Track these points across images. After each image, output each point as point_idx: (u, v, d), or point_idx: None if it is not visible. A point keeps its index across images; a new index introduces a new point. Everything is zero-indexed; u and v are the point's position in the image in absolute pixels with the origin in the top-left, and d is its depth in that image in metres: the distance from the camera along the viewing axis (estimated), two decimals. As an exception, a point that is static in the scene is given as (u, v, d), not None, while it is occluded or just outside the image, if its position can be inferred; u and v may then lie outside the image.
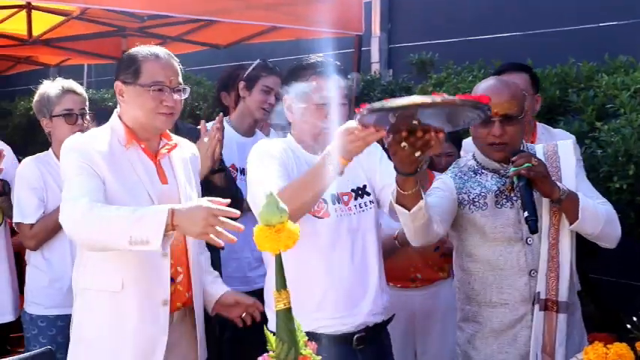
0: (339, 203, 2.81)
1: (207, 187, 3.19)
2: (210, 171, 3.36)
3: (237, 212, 2.43)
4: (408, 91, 5.93)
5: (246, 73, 4.10)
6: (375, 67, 7.10)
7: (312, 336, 2.62)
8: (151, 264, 2.70)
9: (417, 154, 2.30)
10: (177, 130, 3.43)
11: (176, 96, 2.77)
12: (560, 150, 2.95)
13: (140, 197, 2.70)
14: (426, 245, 3.62)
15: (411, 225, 2.60)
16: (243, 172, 3.89)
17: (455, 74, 5.50)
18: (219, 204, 2.43)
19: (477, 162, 2.95)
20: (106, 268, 2.70)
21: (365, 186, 2.88)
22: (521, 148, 2.87)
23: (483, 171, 2.91)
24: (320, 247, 2.76)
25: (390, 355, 3.00)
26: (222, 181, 3.44)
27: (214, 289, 2.99)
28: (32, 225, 3.50)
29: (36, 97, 3.69)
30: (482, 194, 2.86)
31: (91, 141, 2.74)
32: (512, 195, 2.83)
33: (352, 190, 2.85)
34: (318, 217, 2.76)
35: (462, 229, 2.91)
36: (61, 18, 5.80)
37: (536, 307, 2.79)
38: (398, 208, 2.54)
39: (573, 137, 3.82)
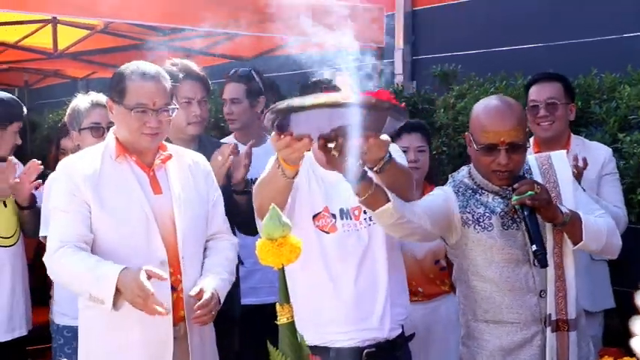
0: (348, 219, 2.81)
1: (231, 206, 3.18)
2: (235, 191, 3.36)
3: (164, 278, 2.60)
4: (431, 103, 5.92)
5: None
6: (399, 79, 7.07)
7: (322, 350, 2.68)
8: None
9: (352, 159, 2.26)
10: (200, 144, 3.45)
11: (162, 116, 2.79)
12: (554, 161, 2.87)
13: (129, 212, 2.74)
14: (422, 258, 3.64)
15: (380, 223, 2.57)
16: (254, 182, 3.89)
17: (477, 86, 5.47)
18: (155, 276, 2.56)
19: (475, 182, 2.82)
20: None
21: None
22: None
23: (483, 191, 2.81)
24: (327, 261, 2.77)
25: None
26: (245, 204, 3.34)
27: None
28: None
29: (68, 111, 3.74)
30: (487, 215, 2.76)
31: (79, 164, 2.81)
32: (516, 217, 2.74)
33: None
34: (325, 232, 2.78)
35: (467, 248, 2.81)
36: (85, 32, 5.89)
37: (549, 329, 2.75)
38: (375, 212, 2.50)
39: (610, 150, 3.79)
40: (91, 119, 3.63)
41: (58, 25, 5.86)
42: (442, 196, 2.80)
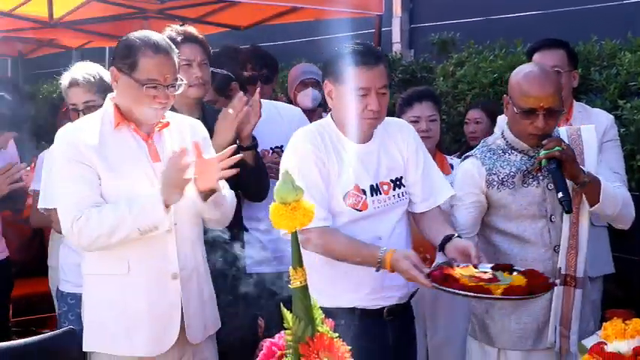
0: (377, 194, 2.84)
1: (238, 165, 3.16)
2: (242, 147, 3.32)
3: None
4: (430, 71, 5.90)
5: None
6: (397, 47, 7.06)
7: (347, 311, 2.78)
8: (155, 242, 2.73)
9: None
10: (205, 113, 3.43)
11: (170, 91, 2.76)
12: (583, 134, 3.04)
13: (133, 176, 2.72)
14: None
15: None
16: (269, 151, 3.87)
17: (476, 54, 5.46)
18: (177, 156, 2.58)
19: (507, 142, 3.01)
20: (110, 254, 2.74)
21: (402, 177, 2.92)
22: None
23: (512, 151, 2.99)
24: (357, 234, 2.79)
25: (413, 326, 3.08)
26: (252, 160, 3.37)
27: None
28: None
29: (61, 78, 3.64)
30: (511, 174, 2.94)
31: (80, 131, 2.77)
32: (538, 174, 2.93)
33: (391, 180, 2.89)
34: (358, 210, 2.80)
35: (490, 206, 3.00)
36: (81, 0, 5.81)
37: (557, 281, 2.88)
38: None
39: (611, 117, 3.79)
40: (69, 100, 3.53)
41: (54, -7, 5.79)
42: (471, 184, 2.99)
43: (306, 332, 1.68)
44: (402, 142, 2.94)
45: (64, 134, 2.81)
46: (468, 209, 2.99)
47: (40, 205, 3.55)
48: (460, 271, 2.53)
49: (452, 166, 3.84)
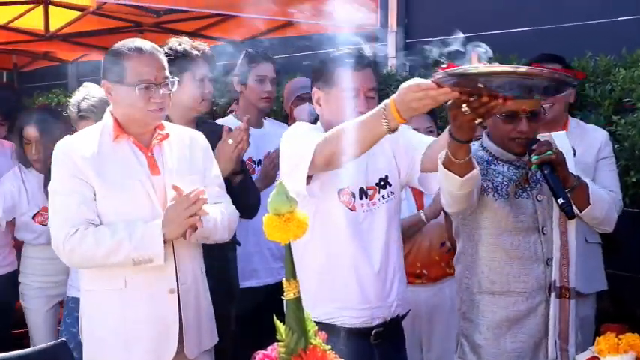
0: (365, 198, 2.84)
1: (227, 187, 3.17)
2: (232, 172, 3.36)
3: (199, 189, 2.62)
4: (424, 86, 5.90)
5: (237, 67, 4.07)
6: (392, 62, 7.07)
7: (330, 327, 2.71)
8: None
9: (478, 120, 2.23)
10: (198, 125, 3.44)
11: (163, 90, 2.76)
12: (556, 141, 2.90)
13: (130, 190, 2.72)
14: (435, 242, 3.70)
15: (458, 192, 2.58)
16: (259, 163, 3.90)
17: (471, 69, 5.47)
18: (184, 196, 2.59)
19: (489, 153, 2.92)
20: (107, 270, 2.75)
21: (387, 177, 2.89)
22: None
23: (498, 162, 2.90)
24: (346, 239, 2.79)
25: (404, 350, 3.04)
26: (240, 184, 3.39)
27: None
28: None
29: (70, 105, 3.67)
30: (505, 183, 2.86)
31: (78, 146, 2.77)
32: (527, 186, 2.86)
33: (376, 184, 2.88)
34: (350, 210, 2.79)
35: (482, 217, 2.88)
36: (77, 13, 5.82)
37: (553, 294, 2.83)
38: (448, 174, 2.48)
39: (606, 133, 3.80)
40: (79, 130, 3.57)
41: (50, 5, 5.80)
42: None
43: (298, 344, 1.67)
44: (385, 139, 2.72)
45: (62, 147, 2.80)
46: None
47: None
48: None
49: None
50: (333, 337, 2.69)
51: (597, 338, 2.12)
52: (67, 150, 2.77)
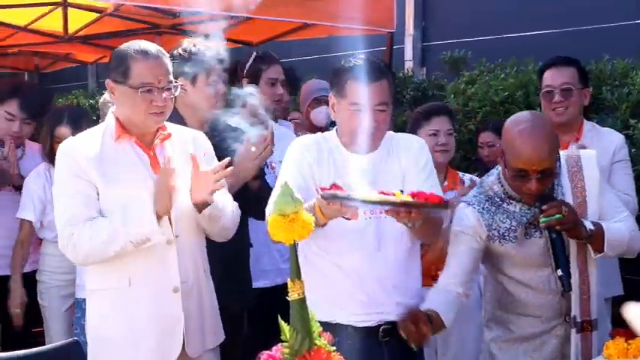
0: None
1: (244, 191, 3.20)
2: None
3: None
4: (441, 89, 5.90)
5: (247, 68, 4.02)
6: (409, 65, 7.06)
7: (339, 328, 2.74)
8: (156, 255, 2.74)
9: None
10: (210, 127, 3.45)
11: (165, 94, 2.77)
12: (583, 163, 2.89)
13: (133, 189, 2.73)
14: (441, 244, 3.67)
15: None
16: (268, 166, 3.89)
17: (487, 72, 5.46)
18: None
19: (504, 190, 2.88)
20: (111, 269, 2.75)
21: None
22: None
23: (511, 201, 2.87)
24: (346, 247, 2.78)
25: (418, 352, 2.97)
26: (256, 187, 3.38)
27: None
28: None
29: (103, 98, 3.71)
30: (512, 228, 2.84)
31: (81, 146, 2.78)
32: (540, 225, 2.80)
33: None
34: (346, 219, 2.75)
35: (495, 260, 2.95)
36: (95, 15, 5.86)
37: (573, 330, 2.82)
38: None
39: (622, 136, 3.77)
40: None
41: (69, 7, 5.84)
42: (467, 240, 2.88)
43: (303, 345, 1.67)
44: (408, 154, 2.88)
45: (65, 148, 2.81)
46: (461, 257, 2.89)
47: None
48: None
49: (463, 182, 3.84)
50: (341, 335, 2.69)
51: (606, 343, 2.10)
52: (70, 150, 2.78)
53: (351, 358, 2.68)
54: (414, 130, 3.76)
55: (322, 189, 2.37)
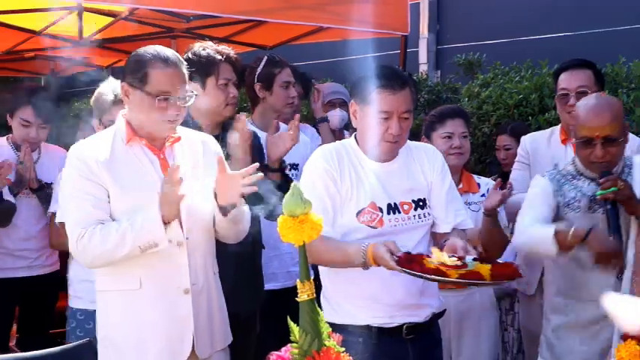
0: (397, 213, 2.85)
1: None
2: (269, 169, 3.41)
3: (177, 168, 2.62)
4: (455, 92, 5.89)
5: (258, 72, 4.01)
6: (423, 68, 7.06)
7: (363, 329, 2.80)
8: (167, 257, 2.73)
9: None
10: (224, 130, 3.45)
11: (180, 103, 2.76)
12: (635, 163, 3.04)
13: (143, 192, 2.72)
14: None
15: (544, 254, 3.04)
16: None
17: (502, 75, 5.44)
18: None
19: (576, 169, 3.10)
20: (122, 270, 2.75)
21: (425, 199, 2.93)
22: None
23: (581, 177, 3.07)
24: None
25: (439, 350, 3.03)
26: (278, 182, 3.36)
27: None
28: None
29: (95, 94, 3.66)
30: (577, 198, 3.01)
31: (91, 149, 2.78)
32: (597, 198, 2.97)
33: (413, 201, 2.89)
34: (372, 227, 2.80)
35: None
36: (110, 19, 5.89)
37: None
38: (557, 252, 2.86)
39: (638, 139, 3.75)
40: (112, 116, 3.48)
41: (84, 12, 5.86)
42: (541, 195, 3.09)
43: (312, 346, 1.66)
44: (428, 165, 2.95)
45: (76, 150, 2.81)
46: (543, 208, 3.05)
47: (57, 220, 3.57)
48: (431, 258, 2.54)
49: (479, 185, 3.82)
50: (365, 335, 2.80)
51: (618, 345, 2.08)
52: (81, 154, 2.78)
53: (378, 356, 2.77)
54: (427, 133, 3.76)
55: (398, 257, 2.54)
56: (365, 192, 2.82)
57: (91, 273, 3.44)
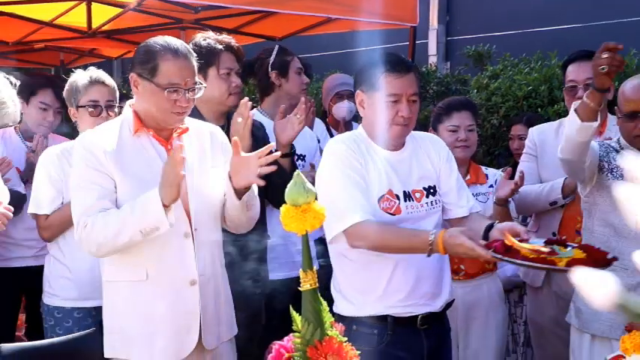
0: (410, 200, 2.85)
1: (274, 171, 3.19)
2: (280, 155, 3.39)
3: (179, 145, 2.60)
4: (464, 84, 5.87)
5: (272, 61, 4.02)
6: (433, 59, 7.04)
7: (379, 320, 2.80)
8: (173, 248, 2.73)
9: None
10: (228, 120, 3.45)
11: (189, 95, 2.76)
12: None
13: (150, 183, 2.70)
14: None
15: (574, 138, 2.92)
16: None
17: (511, 66, 5.42)
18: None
19: (620, 145, 3.21)
20: (128, 261, 2.75)
21: (435, 186, 2.93)
22: None
23: (625, 150, 3.18)
24: None
25: (449, 338, 3.05)
26: (288, 167, 3.40)
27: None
28: (47, 216, 3.47)
29: (66, 86, 3.62)
30: (621, 167, 3.08)
31: (99, 140, 2.77)
32: None
33: (424, 188, 2.90)
34: (391, 214, 2.79)
35: (597, 194, 3.18)
36: (119, 10, 5.89)
37: None
38: (572, 114, 2.90)
39: None
40: (88, 97, 3.52)
41: (92, 2, 5.88)
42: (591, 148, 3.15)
43: (314, 335, 1.66)
44: (434, 152, 2.96)
45: (83, 140, 2.81)
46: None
47: (29, 210, 3.52)
48: (520, 244, 2.44)
49: (487, 176, 3.82)
50: (381, 324, 2.81)
51: (622, 337, 2.08)
52: (88, 144, 2.78)
53: (389, 347, 2.77)
54: (434, 125, 3.75)
55: (490, 246, 2.48)
56: (381, 179, 2.82)
57: (68, 269, 3.48)
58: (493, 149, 5.13)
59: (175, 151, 2.58)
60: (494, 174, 3.84)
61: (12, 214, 3.15)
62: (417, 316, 2.84)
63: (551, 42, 5.54)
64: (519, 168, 3.84)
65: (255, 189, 2.82)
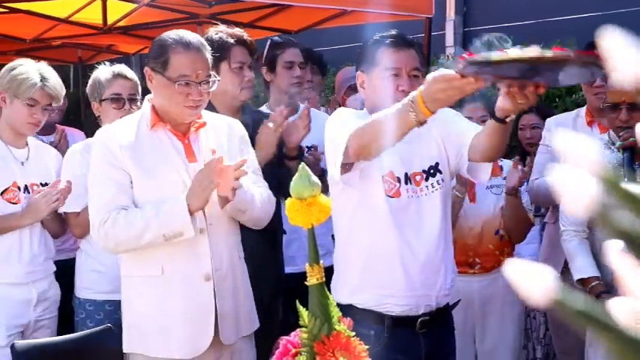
0: (410, 184, 2.77)
1: (282, 175, 3.16)
2: (287, 157, 3.39)
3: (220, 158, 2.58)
4: (481, 75, 5.82)
5: (264, 57, 3.97)
6: (450, 50, 6.99)
7: (375, 315, 2.71)
8: (188, 243, 2.71)
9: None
10: (244, 112, 3.44)
11: (203, 88, 2.74)
12: None
13: (168, 178, 2.71)
14: (488, 230, 3.65)
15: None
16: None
17: (528, 56, 5.36)
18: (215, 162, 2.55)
19: (610, 138, 3.27)
20: (144, 256, 2.75)
21: (437, 164, 2.82)
22: None
23: (611, 147, 3.22)
24: (390, 226, 2.73)
25: (452, 339, 2.97)
26: (297, 166, 3.38)
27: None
28: (78, 213, 3.51)
29: (89, 81, 3.67)
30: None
31: (116, 133, 2.77)
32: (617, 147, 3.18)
33: (423, 171, 2.80)
34: (390, 197, 2.73)
35: None
36: (133, 5, 5.90)
37: None
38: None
39: None
40: (112, 90, 3.55)
41: (107, -1, 5.90)
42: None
43: (322, 330, 1.65)
44: (435, 126, 2.74)
45: (101, 135, 2.84)
46: None
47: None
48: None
49: (502, 168, 3.79)
50: (378, 325, 2.73)
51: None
52: (105, 139, 2.79)
53: (390, 349, 2.70)
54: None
55: (461, 57, 2.04)
56: (381, 159, 2.69)
57: (99, 263, 3.50)
58: (509, 141, 5.08)
59: (213, 160, 2.57)
60: (508, 164, 3.81)
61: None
62: (416, 318, 2.76)
63: (568, 31, 5.47)
64: (536, 160, 3.81)
65: (249, 194, 2.77)
